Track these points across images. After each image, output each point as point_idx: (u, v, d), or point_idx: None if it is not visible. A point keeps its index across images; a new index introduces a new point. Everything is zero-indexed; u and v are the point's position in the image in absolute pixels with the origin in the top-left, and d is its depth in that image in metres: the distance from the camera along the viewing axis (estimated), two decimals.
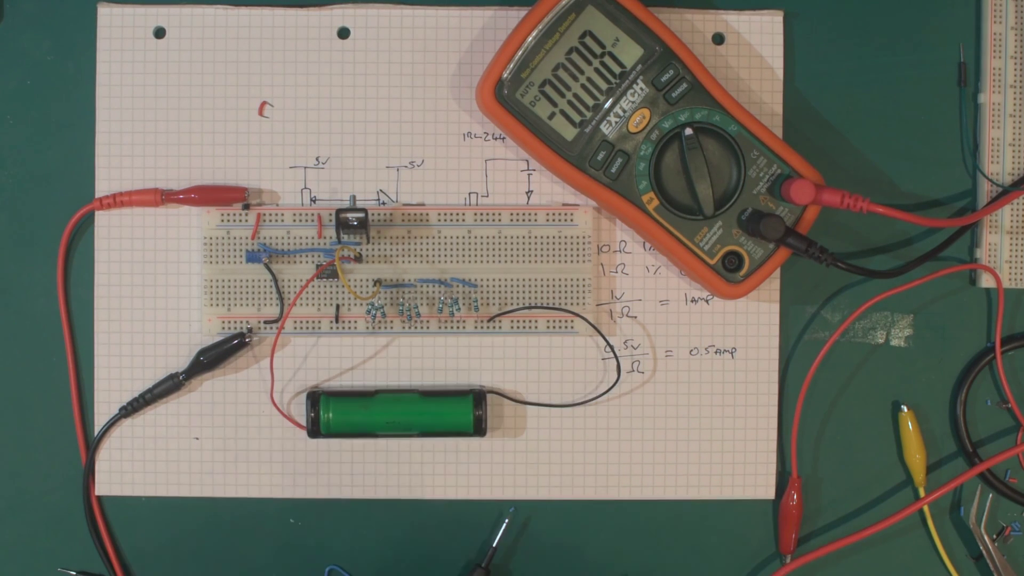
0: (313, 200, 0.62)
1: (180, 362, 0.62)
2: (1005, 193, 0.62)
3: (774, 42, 0.63)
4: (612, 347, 0.63)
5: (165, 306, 0.62)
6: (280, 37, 0.62)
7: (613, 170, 0.59)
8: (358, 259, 0.61)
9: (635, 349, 0.63)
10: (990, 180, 0.63)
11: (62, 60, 0.62)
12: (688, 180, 0.59)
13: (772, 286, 0.63)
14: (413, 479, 0.63)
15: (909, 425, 0.63)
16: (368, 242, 0.61)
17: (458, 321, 0.62)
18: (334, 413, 0.60)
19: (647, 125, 0.59)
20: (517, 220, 0.62)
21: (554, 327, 0.62)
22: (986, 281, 0.63)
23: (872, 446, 0.64)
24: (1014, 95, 0.63)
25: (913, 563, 0.64)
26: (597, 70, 0.59)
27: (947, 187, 0.64)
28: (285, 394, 0.62)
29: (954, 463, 0.64)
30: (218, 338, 0.61)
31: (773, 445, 0.63)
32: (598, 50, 0.59)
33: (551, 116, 0.59)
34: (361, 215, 0.59)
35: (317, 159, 0.62)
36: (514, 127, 0.59)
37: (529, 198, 0.63)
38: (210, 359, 0.61)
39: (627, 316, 0.63)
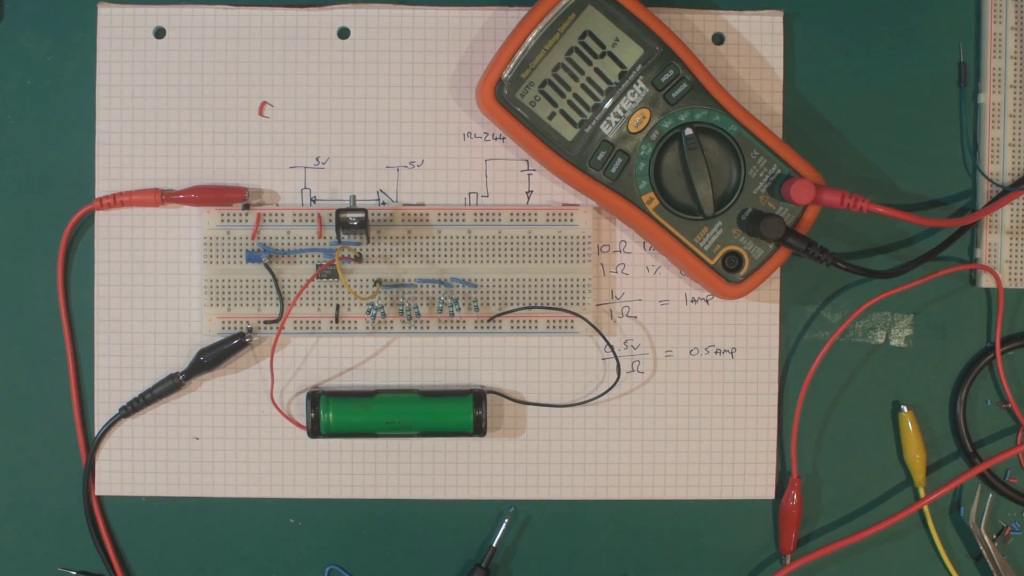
0: (313, 200, 0.62)
1: (180, 362, 0.62)
2: (1005, 193, 0.62)
3: (774, 42, 0.63)
4: (612, 347, 0.63)
5: (165, 306, 0.62)
6: (280, 37, 0.62)
7: (613, 170, 0.59)
8: (358, 259, 0.61)
9: (635, 349, 0.63)
10: (990, 180, 0.63)
11: (62, 60, 0.62)
12: (688, 180, 0.59)
13: (772, 286, 0.63)
14: (413, 479, 0.63)
15: (909, 425, 0.63)
16: (368, 242, 0.61)
17: (458, 321, 0.62)
18: (334, 413, 0.60)
19: (647, 125, 0.59)
20: (517, 220, 0.62)
21: (554, 327, 0.62)
22: (986, 281, 0.63)
23: (872, 446, 0.64)
24: (1014, 95, 0.63)
25: (913, 563, 0.64)
26: (597, 70, 0.59)
27: (947, 187, 0.64)
28: (285, 394, 0.62)
29: (954, 463, 0.64)
30: (218, 338, 0.61)
31: (773, 445, 0.63)
32: (598, 50, 0.59)
33: (551, 116, 0.59)
34: (361, 215, 0.59)
35: (317, 159, 0.62)
36: (514, 127, 0.59)
37: (529, 198, 0.63)
38: (210, 359, 0.61)
39: (627, 316, 0.63)
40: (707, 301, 0.63)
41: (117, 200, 0.61)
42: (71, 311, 0.62)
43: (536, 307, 0.62)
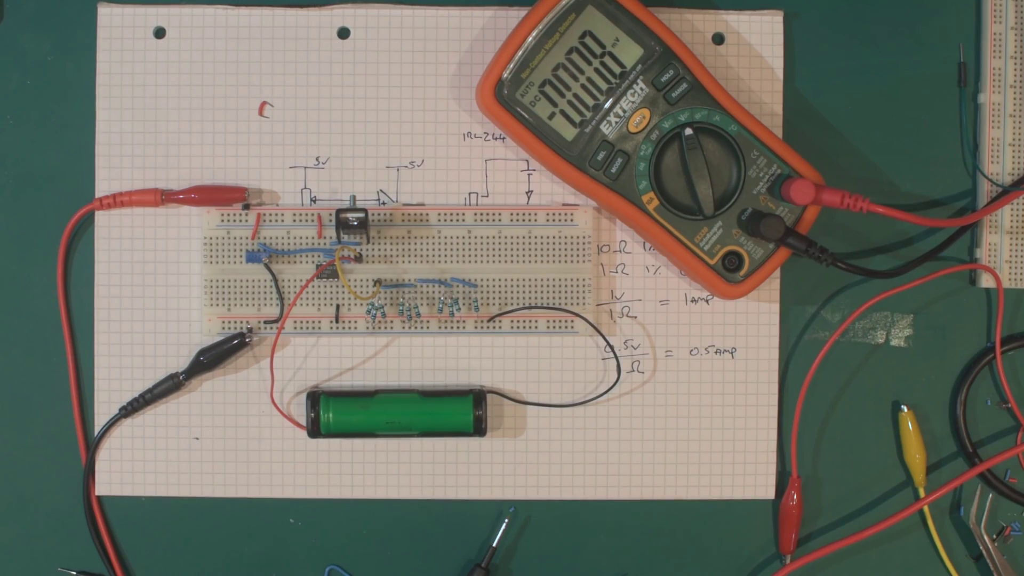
0: (313, 200, 0.62)
1: (180, 362, 0.62)
2: (1005, 193, 0.62)
3: (774, 42, 0.63)
4: (612, 347, 0.63)
5: (165, 306, 0.62)
6: (280, 37, 0.62)
7: (613, 170, 0.59)
8: (358, 259, 0.61)
9: (635, 349, 0.63)
10: (990, 180, 0.63)
11: (62, 60, 0.62)
12: (688, 180, 0.59)
13: (772, 286, 0.63)
14: (413, 479, 0.63)
15: (909, 425, 0.63)
16: (368, 242, 0.61)
17: (458, 321, 0.62)
18: (334, 413, 0.60)
19: (647, 125, 0.59)
20: (517, 220, 0.62)
21: (554, 327, 0.62)
22: (986, 281, 0.63)
23: (872, 446, 0.64)
24: (1014, 95, 0.63)
25: (913, 563, 0.64)
26: (597, 70, 0.59)
27: (947, 187, 0.64)
28: (285, 394, 0.62)
29: (954, 463, 0.64)
30: (218, 338, 0.61)
31: (773, 445, 0.63)
32: (598, 50, 0.59)
33: (551, 116, 0.59)
34: (361, 215, 0.59)
35: (317, 159, 0.62)
36: (514, 127, 0.59)
37: (529, 198, 0.63)
38: (210, 359, 0.61)
39: (627, 316, 0.63)
40: (707, 301, 0.63)
41: (117, 200, 0.61)
42: (71, 311, 0.62)
43: (536, 307, 0.62)
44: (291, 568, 0.63)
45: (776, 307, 0.63)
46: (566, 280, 0.62)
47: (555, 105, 0.59)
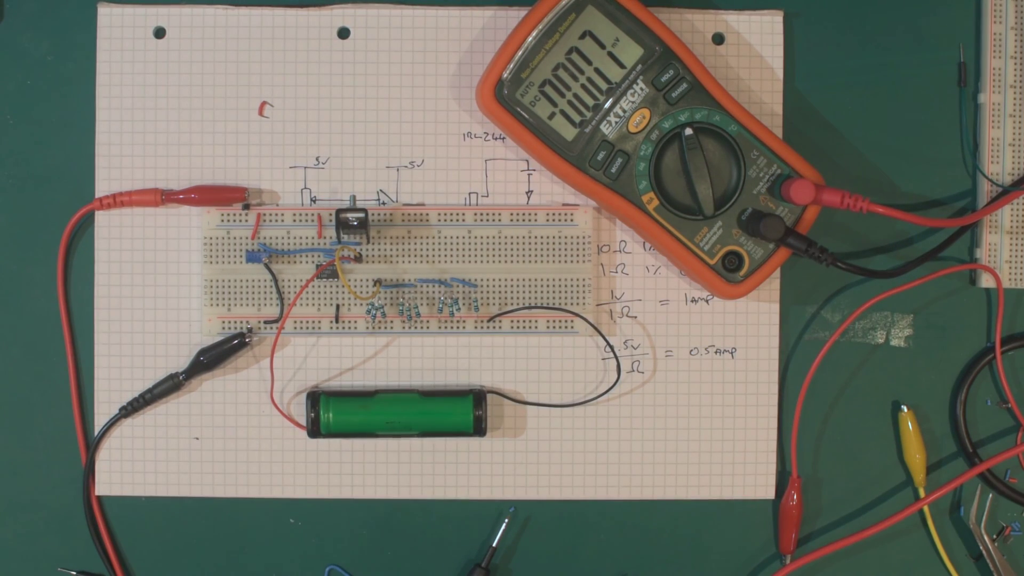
0: (313, 200, 0.62)
1: (180, 362, 0.62)
2: (1005, 193, 0.62)
3: (774, 42, 0.63)
4: (612, 347, 0.63)
5: (165, 306, 0.62)
6: (280, 37, 0.62)
7: (613, 170, 0.59)
8: (358, 259, 0.61)
9: (635, 349, 0.63)
10: (990, 180, 0.63)
11: (62, 60, 0.62)
12: (688, 180, 0.59)
13: (772, 286, 0.63)
14: (413, 479, 0.63)
15: (909, 425, 0.63)
16: (368, 242, 0.61)
17: (458, 321, 0.62)
18: (334, 413, 0.60)
19: (647, 125, 0.59)
20: (517, 220, 0.62)
21: (554, 327, 0.62)
22: (986, 281, 0.63)
23: (872, 446, 0.64)
24: (1014, 95, 0.63)
25: (913, 563, 0.64)
26: (597, 70, 0.59)
27: (947, 187, 0.64)
28: (285, 394, 0.62)
29: (954, 463, 0.64)
30: (218, 338, 0.61)
31: (773, 445, 0.63)
32: (598, 50, 0.59)
33: (551, 116, 0.59)
34: (361, 215, 0.59)
35: (317, 159, 0.62)
36: (514, 127, 0.59)
37: (529, 198, 0.63)
38: (210, 359, 0.61)
39: (627, 316, 0.63)
40: (707, 301, 0.63)
41: (117, 200, 0.61)
42: (71, 311, 0.62)
43: (536, 307, 0.62)
44: (291, 568, 0.63)
45: (776, 307, 0.63)
46: (566, 280, 0.62)
47: (555, 105, 0.59)
